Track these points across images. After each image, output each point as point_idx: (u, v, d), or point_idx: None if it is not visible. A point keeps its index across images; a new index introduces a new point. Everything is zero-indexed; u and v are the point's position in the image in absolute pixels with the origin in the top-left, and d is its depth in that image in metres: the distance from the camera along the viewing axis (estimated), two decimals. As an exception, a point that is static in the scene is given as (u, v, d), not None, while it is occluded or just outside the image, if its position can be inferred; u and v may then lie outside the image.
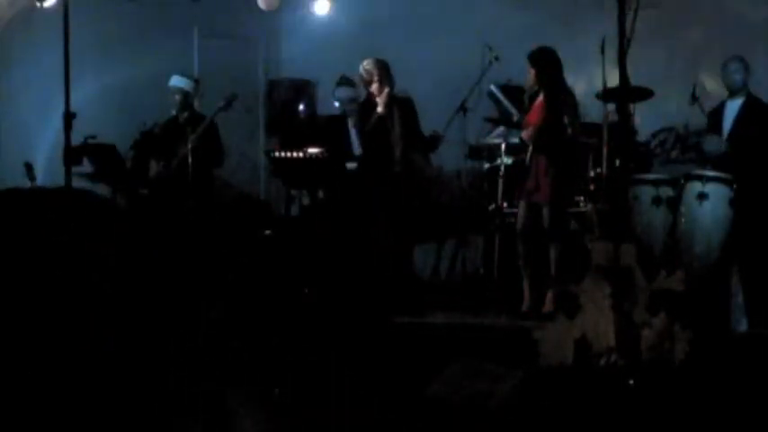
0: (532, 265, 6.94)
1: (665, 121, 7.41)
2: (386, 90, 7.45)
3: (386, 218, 7.39)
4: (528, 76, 7.00)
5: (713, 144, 6.99)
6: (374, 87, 7.49)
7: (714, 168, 6.75)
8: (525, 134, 6.97)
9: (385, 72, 7.48)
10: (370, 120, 7.49)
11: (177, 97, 7.79)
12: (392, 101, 7.48)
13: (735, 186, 6.54)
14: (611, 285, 4.94)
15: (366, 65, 7.52)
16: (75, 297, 5.30)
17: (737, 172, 6.63)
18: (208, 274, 6.48)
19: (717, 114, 7.09)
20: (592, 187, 7.02)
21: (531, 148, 6.88)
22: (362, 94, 7.87)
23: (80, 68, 7.28)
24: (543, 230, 6.87)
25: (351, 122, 7.94)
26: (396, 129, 7.46)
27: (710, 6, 7.74)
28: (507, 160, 7.45)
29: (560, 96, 6.83)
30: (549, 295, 6.83)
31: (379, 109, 7.46)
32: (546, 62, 6.90)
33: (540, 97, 6.95)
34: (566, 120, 6.78)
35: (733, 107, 7.00)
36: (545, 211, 6.86)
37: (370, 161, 7.57)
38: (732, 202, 6.53)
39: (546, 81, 6.89)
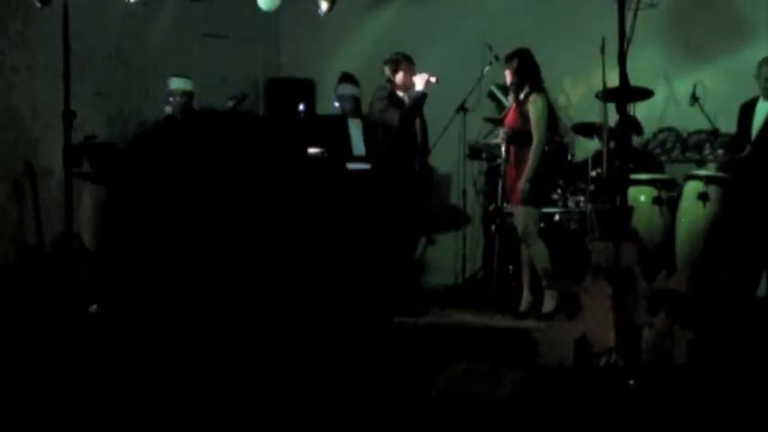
0: (531, 266, 6.94)
1: (666, 121, 7.40)
2: (421, 73, 7.39)
3: (395, 217, 7.36)
4: (506, 77, 7.02)
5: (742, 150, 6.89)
6: (399, 78, 7.46)
7: (733, 168, 6.69)
8: (500, 137, 7.04)
9: (399, 65, 7.48)
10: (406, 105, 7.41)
11: (181, 99, 7.66)
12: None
13: (742, 186, 6.51)
14: (611, 285, 4.95)
15: (384, 63, 7.54)
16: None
17: (760, 172, 6.57)
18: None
19: (747, 111, 6.85)
20: (592, 187, 7.03)
21: (503, 150, 6.93)
22: (361, 92, 7.86)
23: (80, 68, 7.33)
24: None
25: (351, 123, 7.89)
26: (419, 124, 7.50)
27: (710, 6, 7.72)
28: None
29: (529, 99, 6.82)
30: (547, 295, 6.84)
31: (419, 87, 7.37)
32: (522, 63, 6.89)
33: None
34: (532, 124, 6.78)
35: (764, 108, 6.78)
36: (514, 214, 6.91)
37: (398, 153, 7.43)
38: (732, 203, 6.52)
39: (519, 83, 6.88)
